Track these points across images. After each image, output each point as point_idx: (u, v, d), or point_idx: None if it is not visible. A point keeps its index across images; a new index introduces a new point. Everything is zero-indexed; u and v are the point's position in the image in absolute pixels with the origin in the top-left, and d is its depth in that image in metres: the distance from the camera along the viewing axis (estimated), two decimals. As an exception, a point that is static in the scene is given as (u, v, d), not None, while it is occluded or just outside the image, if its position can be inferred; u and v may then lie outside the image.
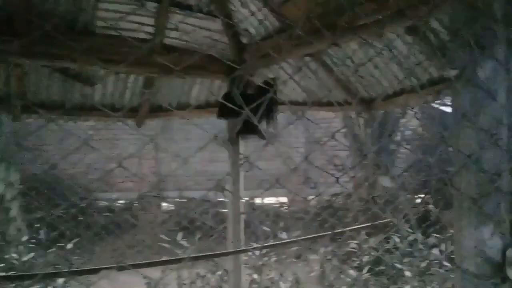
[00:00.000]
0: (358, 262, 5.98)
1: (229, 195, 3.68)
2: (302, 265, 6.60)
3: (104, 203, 10.03)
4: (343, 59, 3.12)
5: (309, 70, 3.41)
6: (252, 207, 9.25)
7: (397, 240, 5.98)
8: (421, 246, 5.68)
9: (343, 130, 8.17)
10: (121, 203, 10.33)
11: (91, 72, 3.26)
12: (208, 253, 3.40)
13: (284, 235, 6.27)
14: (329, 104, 3.83)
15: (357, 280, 5.44)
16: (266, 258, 5.58)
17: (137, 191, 10.47)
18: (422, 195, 8.88)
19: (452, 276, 4.57)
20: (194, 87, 3.77)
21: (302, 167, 10.62)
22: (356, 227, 5.27)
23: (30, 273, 4.72)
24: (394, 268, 5.48)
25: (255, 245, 4.94)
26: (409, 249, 5.77)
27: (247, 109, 1.23)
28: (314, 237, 3.91)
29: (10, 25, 2.57)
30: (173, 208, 10.37)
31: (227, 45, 3.35)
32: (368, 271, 5.69)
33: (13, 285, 4.67)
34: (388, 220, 5.29)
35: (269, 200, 10.42)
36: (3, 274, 5.16)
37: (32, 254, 5.97)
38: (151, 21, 3.01)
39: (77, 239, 6.81)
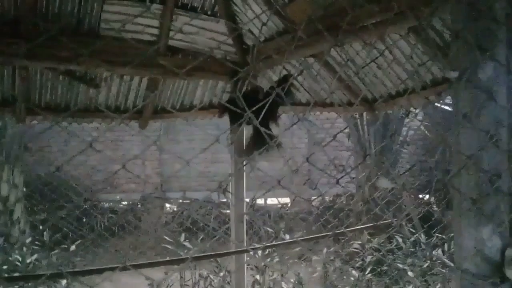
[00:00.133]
0: (360, 263, 5.98)
1: (232, 196, 3.69)
2: (305, 266, 6.62)
3: (108, 204, 10.06)
4: (346, 60, 3.13)
5: (312, 71, 3.43)
6: (253, 208, 9.25)
7: (400, 240, 5.99)
8: (423, 246, 5.69)
9: (346, 131, 8.17)
10: (124, 204, 10.36)
11: (96, 74, 3.28)
12: (211, 254, 3.41)
13: (286, 236, 6.28)
14: (332, 105, 3.84)
15: (359, 280, 5.44)
16: (268, 259, 5.59)
17: (140, 192, 10.50)
18: (425, 195, 8.88)
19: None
20: (197, 88, 3.79)
21: (305, 168, 10.63)
22: (358, 227, 5.27)
23: (34, 274, 4.75)
24: (397, 269, 5.48)
25: (258, 246, 4.96)
26: (412, 249, 5.77)
27: (249, 111, 1.25)
28: (317, 237, 3.92)
29: (16, 28, 2.60)
30: (176, 209, 10.39)
31: (231, 47, 3.37)
32: (370, 272, 5.70)
33: (17, 286, 4.70)
34: (390, 220, 5.29)
35: (271, 201, 10.43)
36: (7, 275, 5.19)
37: (35, 256, 6.00)
38: (155, 23, 3.03)
39: (81, 240, 6.85)
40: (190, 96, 3.86)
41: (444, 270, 5.17)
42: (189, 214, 9.55)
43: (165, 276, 5.39)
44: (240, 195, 3.63)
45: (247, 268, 4.40)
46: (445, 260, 5.19)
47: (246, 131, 3.34)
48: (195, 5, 3.09)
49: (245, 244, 3.71)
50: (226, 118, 3.68)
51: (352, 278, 5.56)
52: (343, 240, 6.51)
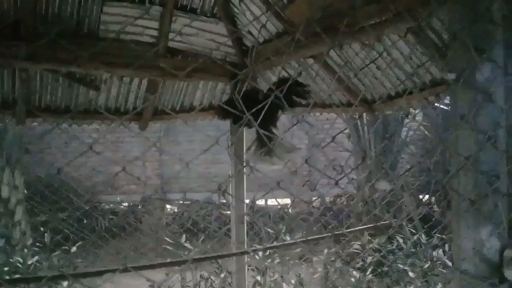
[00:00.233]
0: (361, 263, 5.98)
1: (232, 198, 3.70)
2: (306, 267, 6.62)
3: (108, 206, 10.07)
4: (345, 60, 3.14)
5: (311, 72, 3.43)
6: (253, 209, 9.26)
7: (401, 241, 5.99)
8: (427, 247, 5.69)
9: (346, 131, 8.17)
10: (125, 206, 10.37)
11: (96, 76, 3.29)
12: (212, 255, 3.42)
13: (287, 237, 6.28)
14: (332, 106, 3.84)
15: (360, 281, 5.44)
16: (269, 260, 5.59)
17: (141, 193, 10.51)
18: (425, 196, 8.89)
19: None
20: (197, 89, 3.79)
21: (305, 169, 10.63)
22: (358, 228, 5.27)
23: (35, 276, 4.76)
24: (397, 269, 5.48)
25: (259, 247, 4.96)
26: (413, 250, 5.77)
27: (248, 114, 1.25)
28: (317, 238, 3.92)
29: (16, 30, 2.61)
30: (176, 210, 10.41)
31: (230, 48, 3.37)
32: (371, 272, 5.70)
33: (18, 288, 4.71)
34: (390, 221, 5.30)
35: (272, 202, 10.44)
36: (8, 277, 5.20)
37: (36, 257, 6.00)
38: (155, 24, 3.04)
39: (81, 242, 6.85)
40: (190, 98, 3.86)
41: (445, 271, 5.17)
42: (189, 215, 9.56)
43: (166, 278, 5.39)
44: (241, 197, 3.63)
45: (248, 269, 4.41)
46: (446, 260, 5.20)
47: (250, 135, 3.35)
48: (195, 7, 3.10)
49: (245, 245, 3.72)
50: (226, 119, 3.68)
51: (353, 279, 5.56)
52: (343, 241, 6.51)
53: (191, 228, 8.76)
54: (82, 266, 6.80)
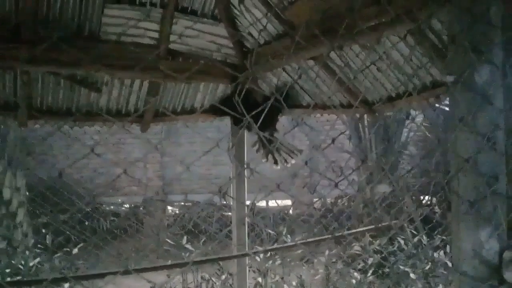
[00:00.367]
0: (362, 265, 5.98)
1: (233, 200, 3.71)
2: (307, 268, 6.61)
3: (110, 207, 10.09)
4: (346, 62, 3.14)
5: (312, 73, 3.44)
6: (253, 211, 9.26)
7: (402, 242, 5.98)
8: (426, 248, 5.68)
9: (347, 133, 8.18)
10: (126, 207, 10.38)
11: (97, 78, 3.30)
12: (213, 257, 3.42)
13: (288, 238, 6.28)
14: (332, 107, 3.85)
15: (362, 282, 5.44)
16: (270, 261, 5.60)
17: (142, 195, 10.52)
18: (427, 197, 8.88)
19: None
20: (198, 91, 3.80)
21: (306, 170, 10.63)
22: (359, 229, 5.27)
23: (36, 278, 4.76)
24: (398, 271, 5.48)
25: (260, 248, 4.97)
26: (414, 251, 5.77)
27: (248, 116, 1.26)
28: (318, 240, 3.92)
29: (17, 33, 2.62)
30: (177, 211, 10.42)
31: (231, 49, 3.38)
32: (372, 274, 5.69)
33: (20, 290, 4.71)
34: (391, 222, 5.29)
35: (273, 203, 10.44)
36: (9, 279, 5.21)
37: (38, 259, 6.02)
38: (156, 26, 3.05)
39: (83, 244, 6.86)
40: (191, 99, 3.87)
41: (446, 272, 5.17)
42: (190, 217, 9.57)
43: (167, 279, 5.40)
44: (241, 199, 3.64)
45: (249, 270, 4.41)
46: (447, 261, 5.19)
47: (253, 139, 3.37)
48: (195, 9, 3.11)
49: (246, 247, 3.72)
50: (227, 121, 3.70)
51: (354, 280, 5.56)
52: (344, 242, 6.51)
53: (192, 229, 8.77)
54: (84, 268, 6.81)
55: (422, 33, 2.31)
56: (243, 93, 2.99)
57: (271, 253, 5.61)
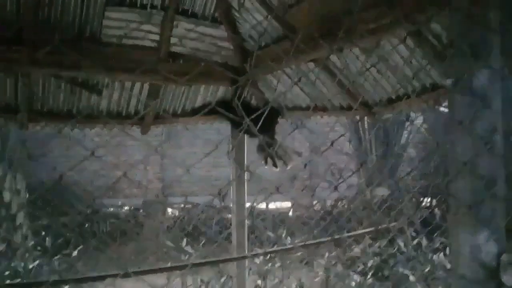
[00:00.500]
0: (362, 267, 5.98)
1: (232, 202, 3.71)
2: (307, 270, 6.61)
3: (110, 209, 10.08)
4: (346, 64, 3.15)
5: (312, 76, 3.45)
6: (252, 214, 9.25)
7: (401, 244, 5.98)
8: (425, 250, 5.69)
9: (347, 135, 8.18)
10: (126, 210, 10.38)
11: (98, 80, 3.30)
12: (213, 259, 3.43)
13: (288, 240, 6.28)
14: (332, 109, 3.85)
15: (361, 285, 5.44)
16: (270, 264, 5.60)
17: (142, 197, 10.52)
18: (426, 199, 8.88)
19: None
20: (199, 94, 3.80)
21: (306, 173, 10.64)
22: (359, 232, 5.27)
23: (36, 281, 4.76)
24: (398, 273, 5.48)
25: (259, 251, 4.97)
26: (413, 253, 5.77)
27: (248, 119, 1.26)
28: (317, 242, 3.92)
29: (19, 35, 2.63)
30: (177, 214, 10.41)
31: (231, 52, 3.39)
32: (372, 276, 5.69)
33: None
34: (390, 225, 5.29)
35: (273, 205, 10.44)
36: (9, 281, 5.21)
37: (37, 261, 6.01)
38: (156, 29, 3.06)
39: (83, 246, 6.86)
40: (192, 101, 3.87)
41: (445, 274, 5.17)
42: (190, 219, 9.56)
43: (166, 282, 5.39)
44: (241, 201, 3.64)
45: (248, 273, 4.41)
46: (446, 264, 5.19)
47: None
48: (196, 12, 3.12)
49: (246, 249, 3.72)
50: (227, 123, 3.70)
51: (353, 283, 5.56)
52: (344, 245, 6.51)
53: (192, 232, 8.76)
54: (83, 270, 6.80)
55: (422, 35, 2.32)
56: (242, 97, 3.00)
57: (270, 256, 5.60)
